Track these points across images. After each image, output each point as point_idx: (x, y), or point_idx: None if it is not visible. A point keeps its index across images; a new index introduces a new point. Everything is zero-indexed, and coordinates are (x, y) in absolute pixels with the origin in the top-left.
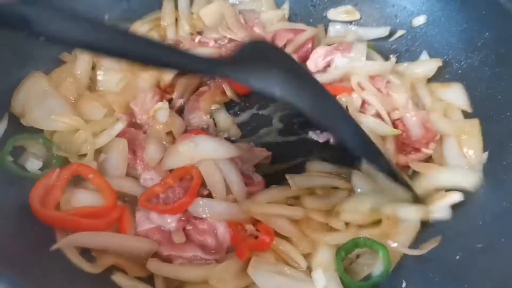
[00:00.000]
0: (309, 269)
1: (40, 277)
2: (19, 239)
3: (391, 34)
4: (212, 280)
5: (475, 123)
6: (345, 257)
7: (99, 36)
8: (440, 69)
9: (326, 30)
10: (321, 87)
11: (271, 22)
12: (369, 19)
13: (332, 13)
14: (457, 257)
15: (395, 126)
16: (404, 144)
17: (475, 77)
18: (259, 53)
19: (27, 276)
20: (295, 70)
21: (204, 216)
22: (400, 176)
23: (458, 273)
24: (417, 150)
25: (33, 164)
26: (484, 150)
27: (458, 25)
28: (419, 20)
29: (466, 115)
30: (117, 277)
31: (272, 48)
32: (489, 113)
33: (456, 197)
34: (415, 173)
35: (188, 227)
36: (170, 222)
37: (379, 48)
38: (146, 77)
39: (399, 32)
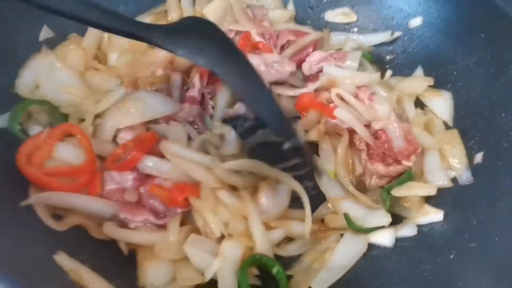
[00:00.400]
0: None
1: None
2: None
3: None
4: (157, 247)
5: (454, 134)
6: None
7: None
8: (436, 70)
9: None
10: (247, 63)
11: (278, 21)
12: (366, 20)
13: (329, 15)
14: (451, 256)
15: (378, 136)
16: (385, 154)
17: (471, 78)
18: (193, 27)
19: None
20: (225, 46)
21: (151, 173)
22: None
23: (452, 272)
24: (398, 162)
25: (35, 131)
26: (479, 150)
27: (453, 27)
28: (416, 22)
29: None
30: (59, 258)
31: (208, 24)
32: (484, 113)
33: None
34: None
35: (142, 190)
36: (127, 180)
37: (376, 50)
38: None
39: (396, 34)
